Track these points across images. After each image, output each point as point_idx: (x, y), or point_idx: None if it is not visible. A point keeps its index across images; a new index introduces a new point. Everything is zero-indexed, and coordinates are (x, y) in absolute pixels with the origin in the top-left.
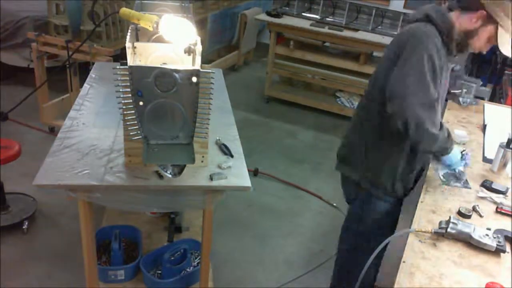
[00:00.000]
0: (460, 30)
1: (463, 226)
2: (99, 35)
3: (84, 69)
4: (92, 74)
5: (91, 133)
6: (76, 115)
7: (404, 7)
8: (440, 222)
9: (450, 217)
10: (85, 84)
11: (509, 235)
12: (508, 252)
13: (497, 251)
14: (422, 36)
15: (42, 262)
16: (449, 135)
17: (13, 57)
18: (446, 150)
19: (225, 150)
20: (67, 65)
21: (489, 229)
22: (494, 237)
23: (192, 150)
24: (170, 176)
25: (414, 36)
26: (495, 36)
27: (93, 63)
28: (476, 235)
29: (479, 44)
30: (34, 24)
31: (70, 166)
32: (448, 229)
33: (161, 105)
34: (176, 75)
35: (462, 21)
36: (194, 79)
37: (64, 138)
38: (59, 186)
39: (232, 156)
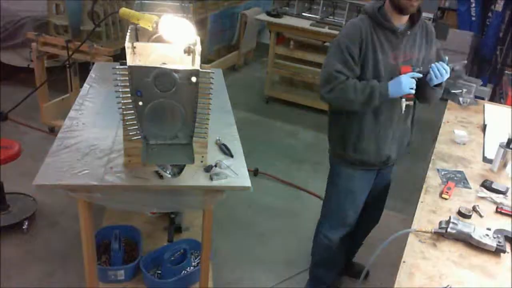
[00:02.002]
0: None
1: (463, 226)
2: (99, 35)
3: (84, 69)
4: (92, 74)
5: (91, 133)
6: (76, 115)
7: None
8: (440, 222)
9: (450, 217)
10: (85, 84)
11: (509, 235)
12: (508, 252)
13: (497, 251)
14: (340, 33)
15: (42, 262)
16: (368, 83)
17: (13, 57)
18: (373, 94)
19: (225, 150)
20: (67, 65)
21: (489, 229)
22: (494, 237)
23: (192, 150)
24: (169, 176)
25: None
26: None
27: (93, 63)
28: (476, 235)
29: None
30: (34, 24)
31: (70, 166)
32: (448, 229)
33: (161, 105)
34: (176, 75)
35: None
36: (194, 79)
37: (64, 138)
38: (59, 186)
39: (232, 156)
